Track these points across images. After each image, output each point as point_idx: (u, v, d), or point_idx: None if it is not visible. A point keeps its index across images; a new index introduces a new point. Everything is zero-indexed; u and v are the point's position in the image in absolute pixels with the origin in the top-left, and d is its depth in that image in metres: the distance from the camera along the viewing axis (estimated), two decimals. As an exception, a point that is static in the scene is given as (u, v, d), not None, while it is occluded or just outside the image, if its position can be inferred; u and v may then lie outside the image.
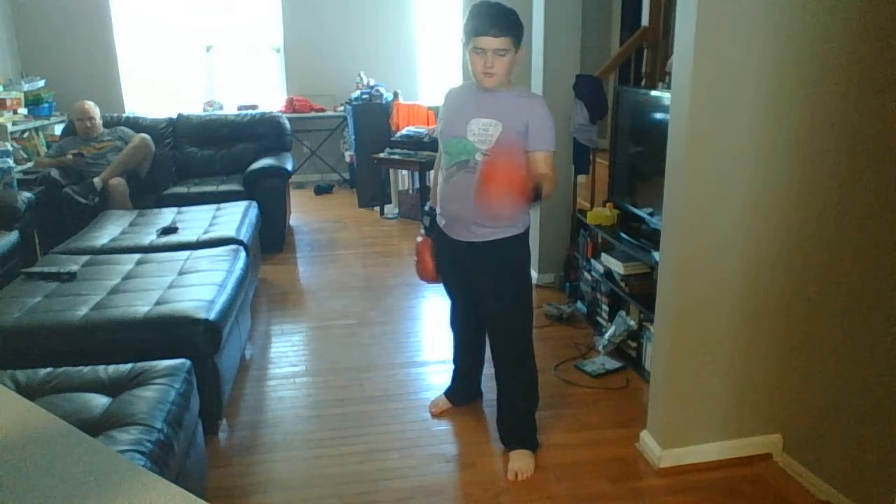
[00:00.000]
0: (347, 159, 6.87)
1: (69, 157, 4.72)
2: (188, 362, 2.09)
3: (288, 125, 5.60)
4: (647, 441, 2.39)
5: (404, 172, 5.98)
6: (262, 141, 5.42)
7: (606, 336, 3.14)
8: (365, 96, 6.27)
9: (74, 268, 2.96)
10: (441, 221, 2.37)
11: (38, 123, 5.68)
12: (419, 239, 2.53)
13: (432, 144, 5.58)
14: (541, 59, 3.75)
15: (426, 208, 2.54)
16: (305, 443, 2.51)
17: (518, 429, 2.42)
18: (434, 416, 2.67)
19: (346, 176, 7.07)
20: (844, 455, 2.10)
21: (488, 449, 2.46)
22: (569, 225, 3.97)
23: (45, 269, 2.94)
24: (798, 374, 2.27)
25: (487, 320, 2.42)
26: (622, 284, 3.11)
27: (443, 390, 2.75)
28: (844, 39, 2.01)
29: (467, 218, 2.22)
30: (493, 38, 2.04)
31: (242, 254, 3.27)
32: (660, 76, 3.72)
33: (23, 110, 5.52)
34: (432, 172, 2.68)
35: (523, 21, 2.14)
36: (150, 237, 3.62)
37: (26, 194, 4.17)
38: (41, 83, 5.92)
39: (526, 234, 2.31)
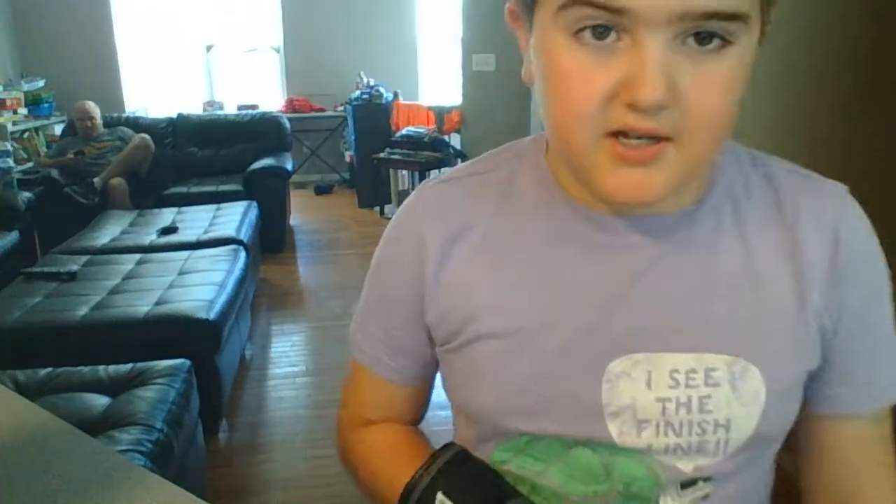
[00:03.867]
0: (347, 159, 6.87)
1: (70, 156, 4.72)
2: (188, 362, 2.09)
3: (288, 125, 5.60)
4: (647, 441, 2.39)
5: (404, 172, 5.97)
6: (262, 141, 5.42)
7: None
8: (365, 96, 6.27)
9: (74, 268, 2.96)
10: None
11: (38, 123, 5.68)
12: None
13: (432, 144, 5.58)
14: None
15: None
16: (305, 443, 2.50)
17: None
18: None
19: (346, 176, 7.07)
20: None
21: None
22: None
23: (45, 269, 2.93)
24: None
25: None
26: (622, 284, 3.11)
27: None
28: (845, 38, 2.01)
29: None
30: None
31: (242, 254, 3.27)
32: (660, 76, 3.73)
33: (23, 110, 5.53)
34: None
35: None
36: (150, 237, 3.62)
37: (26, 194, 4.17)
38: (41, 83, 5.92)
39: None
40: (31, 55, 6.29)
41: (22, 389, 1.91)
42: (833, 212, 0.57)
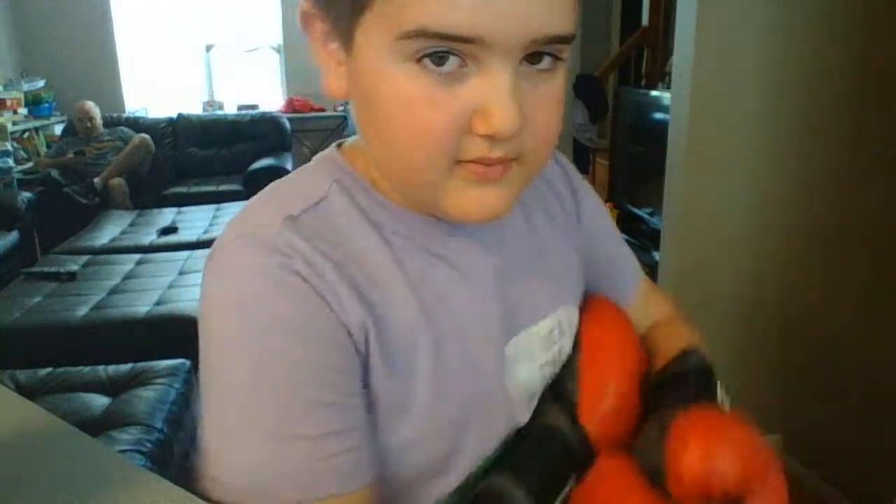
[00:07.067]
0: (347, 159, 6.86)
1: (70, 156, 4.72)
2: (188, 362, 2.09)
3: (288, 125, 5.61)
4: (647, 441, 2.39)
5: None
6: (262, 141, 5.43)
7: (606, 336, 3.13)
8: (365, 96, 6.27)
9: (74, 268, 2.96)
10: None
11: (38, 123, 5.68)
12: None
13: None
14: (541, 59, 3.75)
15: None
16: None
17: None
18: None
19: (346, 176, 7.06)
20: (844, 456, 2.10)
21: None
22: (569, 225, 3.97)
23: (45, 269, 2.94)
24: (798, 373, 2.27)
25: None
26: (622, 284, 3.11)
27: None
28: (845, 39, 2.01)
29: None
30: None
31: (242, 254, 3.27)
32: (660, 76, 3.73)
33: (23, 110, 5.53)
34: None
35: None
36: (150, 237, 3.62)
37: (26, 194, 4.17)
38: (41, 83, 5.92)
39: None
40: (31, 55, 6.28)
41: (22, 389, 1.92)
42: (561, 172, 0.68)
